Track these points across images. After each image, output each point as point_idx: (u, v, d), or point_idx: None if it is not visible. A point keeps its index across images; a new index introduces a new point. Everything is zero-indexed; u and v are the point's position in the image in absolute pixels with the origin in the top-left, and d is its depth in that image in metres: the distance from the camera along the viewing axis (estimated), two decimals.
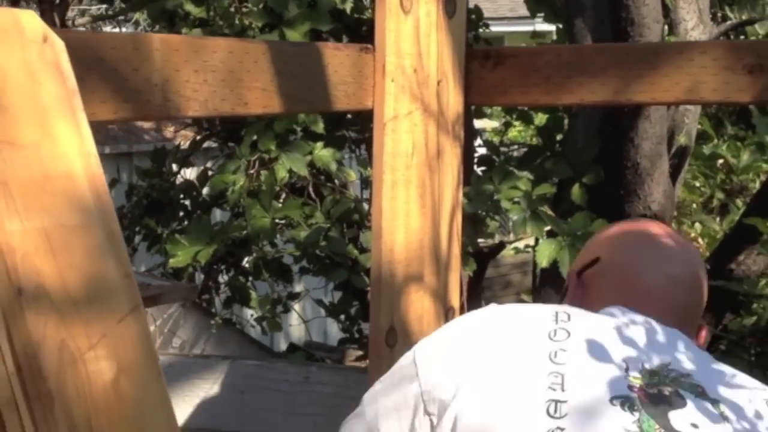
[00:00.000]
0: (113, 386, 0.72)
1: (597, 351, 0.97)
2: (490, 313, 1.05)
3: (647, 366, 0.97)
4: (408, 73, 1.47)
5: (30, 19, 0.74)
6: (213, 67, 1.08)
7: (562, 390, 0.92)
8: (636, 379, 0.95)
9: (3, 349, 0.68)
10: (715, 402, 0.95)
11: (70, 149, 0.74)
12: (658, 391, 0.93)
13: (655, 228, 1.15)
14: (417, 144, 1.53)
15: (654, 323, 1.03)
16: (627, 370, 0.95)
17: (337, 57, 1.35)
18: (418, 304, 1.59)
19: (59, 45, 0.75)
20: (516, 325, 1.02)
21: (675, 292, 1.08)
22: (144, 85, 0.99)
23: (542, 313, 1.03)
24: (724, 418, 0.93)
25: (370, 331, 1.53)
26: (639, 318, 1.04)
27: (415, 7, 1.45)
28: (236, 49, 1.13)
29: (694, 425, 0.91)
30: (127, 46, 0.97)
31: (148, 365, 0.75)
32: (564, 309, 1.03)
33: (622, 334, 1.00)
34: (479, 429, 0.93)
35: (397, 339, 1.54)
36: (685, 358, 1.00)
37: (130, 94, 0.98)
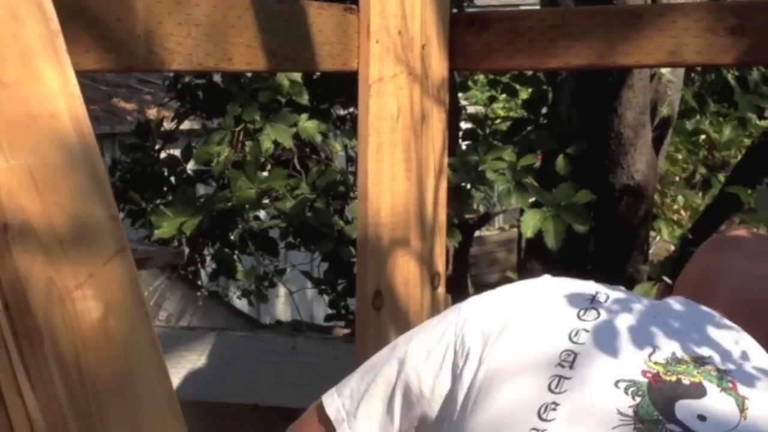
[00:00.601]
0: (101, 325, 0.72)
1: (619, 334, 0.96)
2: (538, 283, 1.07)
3: (679, 354, 0.95)
4: (393, 34, 1.47)
5: None
6: (197, 21, 1.08)
7: (570, 368, 0.93)
8: (656, 365, 0.93)
9: None
10: (742, 398, 0.91)
11: (54, 89, 0.73)
12: (677, 379, 0.92)
13: (743, 233, 1.14)
14: (402, 107, 1.53)
15: (718, 317, 1.01)
16: (651, 355, 0.94)
17: (322, 16, 1.35)
18: (404, 268, 1.59)
19: None
20: (553, 300, 1.02)
21: (753, 288, 1.05)
22: (127, 36, 0.99)
23: (583, 291, 1.03)
24: (744, 416, 0.90)
25: (357, 294, 1.53)
26: (701, 309, 1.02)
27: None
28: (219, 3, 1.13)
29: (702, 417, 0.89)
30: None
31: (135, 306, 0.75)
32: (608, 290, 1.03)
33: (663, 320, 0.98)
34: (487, 388, 0.94)
35: (384, 302, 1.54)
36: (732, 354, 0.96)
37: (114, 44, 0.97)
